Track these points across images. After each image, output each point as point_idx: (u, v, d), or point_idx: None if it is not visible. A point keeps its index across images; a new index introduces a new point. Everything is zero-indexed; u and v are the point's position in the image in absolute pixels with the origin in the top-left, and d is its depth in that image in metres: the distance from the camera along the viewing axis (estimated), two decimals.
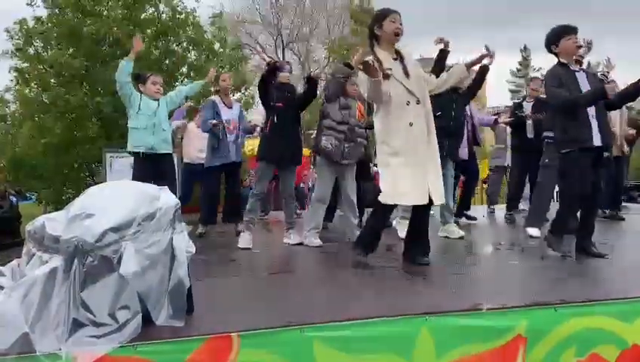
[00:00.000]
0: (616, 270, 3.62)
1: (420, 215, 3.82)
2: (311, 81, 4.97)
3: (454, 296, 2.87)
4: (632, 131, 6.86)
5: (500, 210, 7.13)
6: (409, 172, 3.58)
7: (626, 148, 6.73)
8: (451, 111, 5.00)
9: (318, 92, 5.17)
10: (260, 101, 5.10)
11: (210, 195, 5.85)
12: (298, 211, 6.51)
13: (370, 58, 3.50)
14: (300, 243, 4.74)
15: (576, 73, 3.96)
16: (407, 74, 3.64)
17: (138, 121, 5.00)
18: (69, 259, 2.21)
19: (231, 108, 5.70)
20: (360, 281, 3.33)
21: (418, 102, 3.64)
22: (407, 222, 4.85)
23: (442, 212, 5.09)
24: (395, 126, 3.62)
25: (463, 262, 4.03)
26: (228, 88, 5.81)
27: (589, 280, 3.36)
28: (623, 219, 6.47)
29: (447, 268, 3.73)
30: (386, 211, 3.76)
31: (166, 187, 2.57)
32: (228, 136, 5.53)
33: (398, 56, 3.72)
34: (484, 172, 11.18)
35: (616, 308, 2.65)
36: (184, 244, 2.46)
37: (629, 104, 7.02)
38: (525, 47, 41.93)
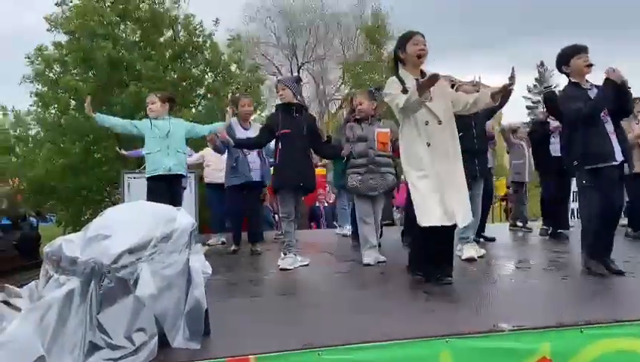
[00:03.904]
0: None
1: (443, 236, 3.76)
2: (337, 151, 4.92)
3: (475, 317, 2.81)
4: None
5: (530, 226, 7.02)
6: (431, 192, 3.55)
7: None
8: (472, 130, 4.97)
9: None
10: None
11: (234, 213, 5.87)
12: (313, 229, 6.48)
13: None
14: (307, 265, 4.68)
15: (589, 91, 3.92)
16: (430, 96, 3.62)
17: (151, 145, 5.06)
18: (86, 280, 2.21)
19: (247, 129, 5.72)
20: (378, 302, 3.28)
21: (440, 122, 3.62)
22: (471, 244, 4.87)
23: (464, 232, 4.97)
24: (414, 146, 3.62)
25: (483, 281, 3.95)
26: (247, 114, 5.82)
27: (615, 300, 3.27)
28: None
29: (467, 287, 3.65)
30: (426, 234, 3.66)
31: (182, 208, 2.56)
32: (246, 154, 5.54)
33: (423, 78, 3.70)
34: (501, 189, 11.10)
35: None
36: (200, 265, 2.44)
37: None
38: (542, 63, 41.74)
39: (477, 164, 4.96)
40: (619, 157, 3.79)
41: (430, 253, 3.76)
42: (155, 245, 2.29)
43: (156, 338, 2.21)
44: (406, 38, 3.74)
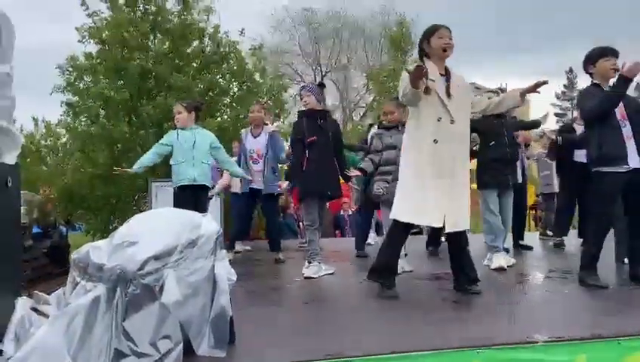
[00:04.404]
0: None
1: (455, 241, 3.68)
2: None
3: (507, 328, 2.73)
4: None
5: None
6: (427, 190, 3.47)
7: None
8: (504, 138, 4.89)
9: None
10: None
11: (239, 216, 6.02)
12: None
13: (423, 66, 3.39)
14: (332, 273, 4.63)
15: None
16: (448, 92, 3.56)
17: (177, 157, 5.10)
18: (112, 287, 2.21)
19: (257, 137, 5.74)
20: (404, 312, 3.21)
21: (452, 122, 3.54)
22: (501, 254, 4.78)
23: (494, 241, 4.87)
24: (421, 140, 3.54)
25: (514, 291, 3.85)
26: (256, 119, 5.81)
27: None
28: None
29: (498, 297, 3.56)
30: (400, 232, 3.63)
31: (208, 214, 2.55)
32: (252, 165, 5.63)
33: (447, 74, 3.66)
34: (531, 198, 10.89)
35: None
36: (226, 272, 2.43)
37: None
38: (571, 70, 40.98)
39: (508, 172, 4.87)
40: (633, 163, 3.66)
41: (396, 254, 3.66)
42: (180, 251, 2.29)
43: (181, 345, 2.20)
44: (431, 32, 3.68)
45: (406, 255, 4.71)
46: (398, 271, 4.43)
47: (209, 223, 2.46)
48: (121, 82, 9.78)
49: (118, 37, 9.57)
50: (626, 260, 4.57)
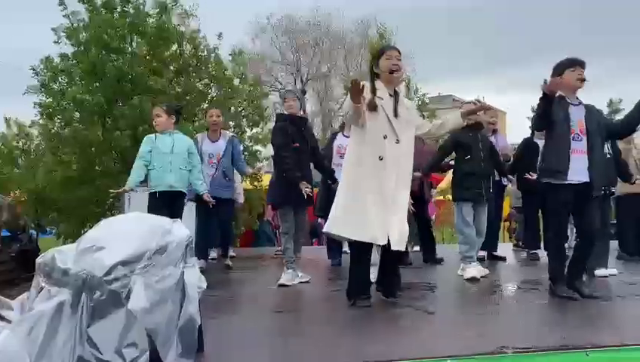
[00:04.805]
0: None
1: (389, 256, 3.67)
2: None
3: (479, 338, 2.73)
4: None
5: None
6: (369, 207, 3.47)
7: None
8: (479, 153, 4.94)
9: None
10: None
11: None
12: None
13: (358, 80, 3.42)
14: (307, 281, 4.60)
15: (573, 106, 3.83)
16: (396, 113, 3.60)
17: (154, 161, 4.95)
18: (77, 293, 2.15)
19: (216, 141, 5.71)
20: (377, 322, 3.20)
21: (397, 141, 3.57)
22: (474, 264, 4.81)
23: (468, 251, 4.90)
24: (365, 156, 3.55)
25: (487, 301, 3.87)
26: (216, 123, 5.80)
27: (621, 323, 3.20)
28: None
29: (470, 307, 3.58)
30: (362, 248, 3.61)
31: (179, 220, 2.51)
32: (209, 169, 5.60)
33: (394, 95, 3.69)
34: (505, 209, 11.00)
35: None
36: (196, 279, 2.38)
37: None
38: (546, 82, 41.63)
39: (483, 187, 4.92)
40: (576, 177, 3.69)
41: (365, 268, 3.65)
42: (149, 257, 2.24)
43: (147, 353, 2.14)
44: (379, 53, 3.72)
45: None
46: (373, 281, 4.45)
47: (179, 229, 2.42)
48: (97, 84, 9.63)
49: (97, 38, 9.43)
50: (596, 272, 4.65)
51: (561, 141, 3.75)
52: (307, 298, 4.18)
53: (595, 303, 3.63)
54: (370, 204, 3.47)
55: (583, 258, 3.90)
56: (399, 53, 3.68)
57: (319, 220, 10.25)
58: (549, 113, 3.76)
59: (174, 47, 10.33)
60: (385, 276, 3.75)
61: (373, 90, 3.59)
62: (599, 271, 4.64)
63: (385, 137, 3.54)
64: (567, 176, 3.68)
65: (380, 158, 3.51)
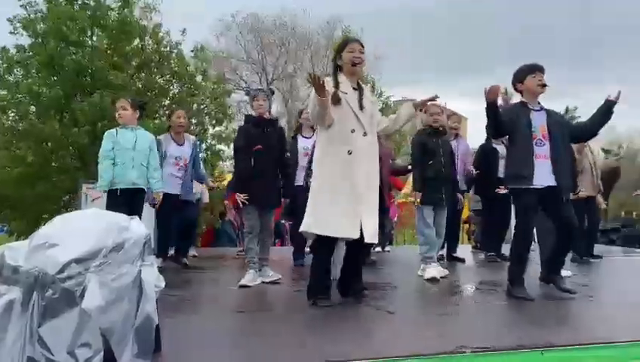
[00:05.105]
0: (599, 313, 3.55)
1: (354, 251, 3.70)
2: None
3: (438, 338, 2.75)
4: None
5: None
6: (342, 203, 3.48)
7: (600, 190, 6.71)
8: (440, 157, 5.02)
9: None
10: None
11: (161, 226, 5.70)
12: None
13: (323, 77, 3.45)
14: (278, 281, 4.56)
15: (535, 112, 3.92)
16: (361, 105, 3.62)
17: (116, 158, 4.80)
18: (28, 291, 2.07)
19: (182, 145, 5.64)
20: (337, 322, 3.19)
21: (365, 134, 3.60)
22: (434, 265, 4.87)
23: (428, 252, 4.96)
24: (334, 152, 3.56)
25: (446, 302, 3.92)
26: (183, 126, 5.73)
27: (576, 323, 3.29)
28: (601, 257, 6.47)
29: (429, 307, 3.62)
30: (325, 247, 3.63)
31: (136, 217, 2.44)
32: (176, 171, 5.52)
33: (359, 88, 3.71)
34: (464, 212, 11.20)
35: (604, 353, 2.57)
36: (153, 278, 2.32)
37: (605, 146, 7.10)
38: (506, 91, 42.71)
39: (444, 191, 5.00)
40: (540, 181, 3.78)
41: (326, 267, 3.69)
42: (105, 255, 2.16)
43: (101, 354, 2.07)
44: (342, 45, 3.74)
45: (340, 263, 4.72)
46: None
47: (137, 227, 2.35)
48: (55, 78, 9.34)
49: (56, 30, 9.14)
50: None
51: (524, 147, 3.83)
52: (269, 298, 4.14)
53: (551, 303, 3.72)
54: (342, 199, 3.48)
55: (562, 253, 4.02)
56: (362, 46, 3.69)
57: (282, 221, 10.25)
58: (499, 120, 3.85)
59: (136, 41, 10.13)
60: (347, 274, 3.76)
61: (336, 85, 3.60)
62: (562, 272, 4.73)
63: (352, 131, 3.55)
64: (532, 181, 3.76)
65: (349, 153, 3.52)
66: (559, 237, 3.96)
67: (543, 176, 3.78)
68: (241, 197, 4.43)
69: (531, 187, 3.77)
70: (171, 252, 6.28)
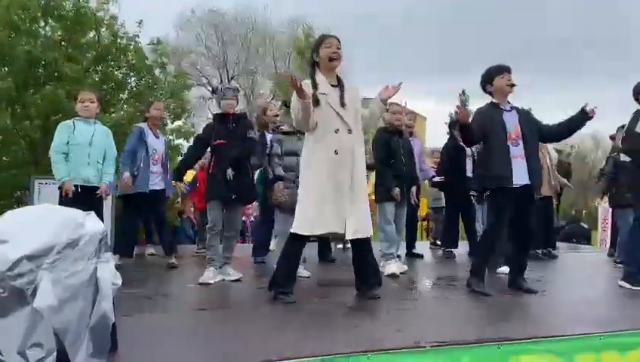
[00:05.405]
0: (553, 307, 3.67)
1: (358, 248, 3.73)
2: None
3: (397, 333, 2.79)
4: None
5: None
6: (328, 203, 3.50)
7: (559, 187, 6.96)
8: (401, 156, 5.09)
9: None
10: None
11: (129, 224, 5.55)
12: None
13: (301, 79, 3.45)
14: (239, 280, 4.51)
15: (506, 113, 4.02)
16: (342, 103, 3.61)
17: (72, 152, 4.59)
18: None
19: (158, 138, 5.54)
20: (299, 318, 3.18)
21: (350, 131, 3.60)
22: (394, 261, 4.91)
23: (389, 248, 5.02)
24: (320, 153, 3.56)
25: (406, 297, 3.97)
26: (160, 118, 5.62)
27: (530, 317, 3.38)
28: (557, 257, 6.68)
29: (389, 303, 3.65)
30: (297, 244, 3.64)
31: (92, 212, 2.36)
32: (152, 165, 5.36)
33: (339, 84, 3.70)
34: (423, 209, 11.38)
35: (556, 346, 2.65)
36: (110, 276, 2.25)
37: (557, 147, 7.36)
38: (463, 92, 43.61)
39: (404, 189, 5.07)
40: (517, 180, 3.87)
41: (295, 264, 3.71)
42: (58, 252, 2.08)
43: (54, 354, 2.00)
44: (319, 42, 3.73)
45: (304, 261, 4.71)
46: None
47: (93, 222, 2.27)
48: (6, 69, 8.98)
49: (6, 19, 8.77)
50: (500, 269, 4.88)
51: (501, 148, 3.90)
52: (229, 296, 4.10)
53: (507, 299, 3.82)
54: (328, 198, 3.50)
55: (524, 255, 4.11)
56: (339, 41, 3.68)
57: (244, 218, 10.16)
58: (473, 135, 3.95)
59: (92, 33, 9.83)
60: (360, 271, 3.75)
61: (315, 85, 3.59)
62: (503, 269, 4.85)
63: (337, 131, 3.55)
64: (512, 181, 3.85)
65: (336, 153, 3.52)
66: (519, 241, 4.08)
67: (520, 175, 3.88)
68: (180, 185, 4.41)
69: (510, 187, 3.85)
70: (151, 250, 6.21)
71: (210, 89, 24.32)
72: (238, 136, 4.52)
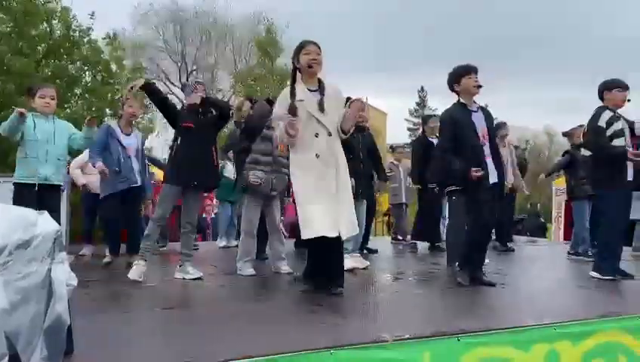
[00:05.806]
0: (511, 299, 3.77)
1: (330, 247, 3.73)
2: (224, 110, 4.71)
3: (359, 328, 2.80)
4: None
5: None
6: (316, 204, 3.56)
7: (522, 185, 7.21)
8: (359, 153, 5.12)
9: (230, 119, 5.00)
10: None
11: (115, 222, 5.36)
12: (196, 243, 6.19)
13: (294, 122, 3.52)
14: (199, 278, 4.43)
15: (474, 113, 4.11)
16: (322, 107, 3.64)
17: (27, 149, 4.37)
18: None
19: (129, 135, 5.33)
20: (262, 315, 3.17)
21: (330, 134, 3.67)
22: (355, 255, 4.97)
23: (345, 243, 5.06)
24: (302, 158, 3.64)
25: (367, 292, 4.00)
26: (134, 115, 5.43)
27: (489, 310, 3.46)
28: (513, 251, 6.86)
29: (352, 299, 3.67)
30: (313, 245, 3.71)
31: (45, 212, 2.27)
32: (129, 159, 5.16)
33: (319, 88, 3.71)
34: (384, 205, 11.53)
35: (513, 337, 2.73)
36: (65, 276, 2.17)
37: (514, 143, 7.58)
38: (422, 89, 44.48)
39: (360, 185, 5.10)
40: (492, 179, 4.00)
41: (320, 263, 3.75)
42: (10, 253, 2.00)
43: (6, 359, 1.92)
44: (299, 48, 3.76)
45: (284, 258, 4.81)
46: (247, 275, 4.53)
47: (46, 222, 2.19)
48: None
49: None
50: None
51: (475, 148, 3.99)
52: (189, 294, 4.03)
53: (467, 292, 3.90)
54: (321, 199, 3.56)
55: (483, 248, 4.21)
56: (319, 48, 3.73)
57: (204, 215, 10.04)
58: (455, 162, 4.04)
59: (43, 25, 9.50)
60: (331, 269, 3.76)
61: (293, 94, 3.65)
62: None
63: (317, 135, 3.62)
64: (488, 179, 3.95)
65: (317, 156, 3.59)
66: (480, 236, 4.17)
67: (492, 174, 4.00)
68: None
69: (489, 185, 3.96)
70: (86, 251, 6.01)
71: (181, 86, 23.86)
72: (207, 123, 4.47)
